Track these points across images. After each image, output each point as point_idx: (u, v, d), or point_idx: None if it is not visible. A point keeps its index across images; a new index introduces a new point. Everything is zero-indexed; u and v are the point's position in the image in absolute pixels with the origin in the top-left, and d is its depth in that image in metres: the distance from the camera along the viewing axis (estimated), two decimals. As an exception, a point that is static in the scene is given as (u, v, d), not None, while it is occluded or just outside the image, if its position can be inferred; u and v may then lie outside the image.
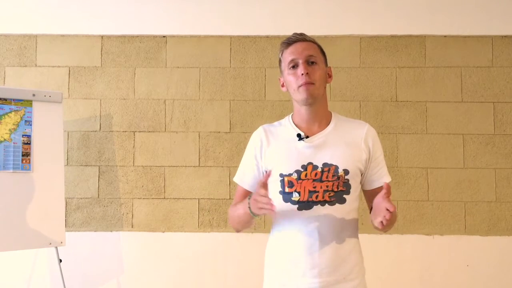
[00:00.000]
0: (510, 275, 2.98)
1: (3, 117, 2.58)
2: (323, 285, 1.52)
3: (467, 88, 3.10)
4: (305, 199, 1.54)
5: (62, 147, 2.76)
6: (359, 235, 1.64)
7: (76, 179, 3.11)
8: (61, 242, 2.65)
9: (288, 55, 1.60)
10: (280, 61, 1.66)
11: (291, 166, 1.57)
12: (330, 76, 1.66)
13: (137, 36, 3.18)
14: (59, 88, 3.13)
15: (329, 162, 1.56)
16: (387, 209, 1.35)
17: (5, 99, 2.60)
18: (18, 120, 2.62)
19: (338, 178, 1.55)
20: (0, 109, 2.58)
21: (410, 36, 3.13)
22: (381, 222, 1.40)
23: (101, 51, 3.18)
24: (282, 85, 1.67)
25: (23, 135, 2.62)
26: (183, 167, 3.11)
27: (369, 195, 1.66)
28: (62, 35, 3.19)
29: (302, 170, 1.55)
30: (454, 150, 3.07)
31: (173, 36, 3.18)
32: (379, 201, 1.40)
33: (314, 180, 1.54)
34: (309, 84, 1.55)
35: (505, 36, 3.11)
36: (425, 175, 3.06)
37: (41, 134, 2.67)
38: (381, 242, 2.98)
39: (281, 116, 1.74)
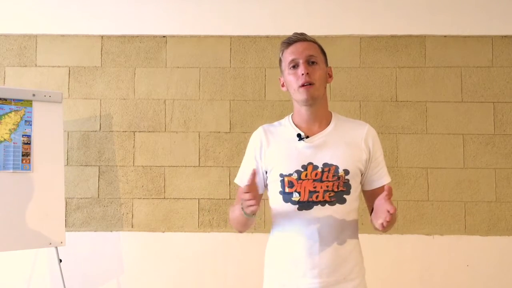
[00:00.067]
0: (510, 275, 2.98)
1: (3, 117, 2.58)
2: (323, 285, 1.52)
3: (467, 88, 3.10)
4: (305, 199, 1.54)
5: (62, 147, 2.76)
6: (359, 235, 1.64)
7: (76, 179, 3.11)
8: (61, 242, 2.65)
9: (289, 55, 1.59)
10: (280, 60, 1.66)
11: (291, 166, 1.56)
12: (330, 76, 1.66)
13: (137, 36, 3.18)
14: (59, 88, 3.13)
15: (329, 162, 1.55)
16: (388, 211, 1.35)
17: (5, 99, 2.60)
18: (18, 120, 2.62)
19: (338, 178, 1.54)
20: (0, 109, 2.58)
21: (410, 36, 3.13)
22: (382, 223, 1.40)
23: (101, 51, 3.18)
24: (282, 85, 1.66)
25: (23, 135, 2.62)
26: (183, 167, 3.11)
27: (369, 195, 1.66)
28: (62, 35, 3.19)
29: (302, 170, 1.55)
30: (454, 150, 3.07)
31: (173, 36, 3.18)
32: (381, 202, 1.40)
33: (314, 180, 1.54)
34: (309, 84, 1.55)
35: (505, 36, 3.11)
36: (425, 175, 3.06)
37: (41, 134, 2.67)
38: (381, 242, 2.98)
39: (281, 116, 1.74)
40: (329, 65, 1.67)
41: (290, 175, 1.56)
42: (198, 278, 3.05)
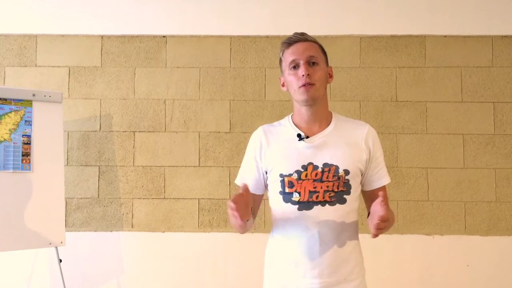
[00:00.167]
0: (510, 275, 2.98)
1: (3, 117, 2.58)
2: (323, 285, 1.52)
3: (467, 88, 3.10)
4: (306, 199, 1.54)
5: (62, 147, 2.76)
6: (359, 235, 1.64)
7: (76, 179, 3.11)
8: (61, 242, 2.65)
9: (289, 55, 1.59)
10: (280, 60, 1.65)
11: (291, 166, 1.56)
12: (331, 76, 1.65)
13: (137, 36, 3.18)
14: (59, 88, 3.13)
15: (329, 162, 1.55)
16: (379, 216, 1.34)
17: (5, 99, 2.60)
18: (18, 120, 2.62)
19: (339, 178, 1.54)
20: (0, 109, 2.58)
21: (410, 36, 3.13)
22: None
23: (101, 51, 3.18)
24: (283, 85, 1.66)
25: (23, 135, 2.62)
26: (183, 167, 3.11)
27: (368, 196, 1.66)
28: (62, 35, 3.19)
29: (303, 170, 1.55)
30: (454, 150, 3.07)
31: (173, 36, 3.18)
32: (376, 208, 1.39)
33: (314, 180, 1.54)
34: (310, 85, 1.54)
35: (505, 36, 3.11)
36: (425, 175, 3.06)
37: (41, 134, 2.67)
38: (381, 242, 2.95)
39: (281, 116, 1.74)
40: (329, 65, 1.67)
41: (290, 175, 1.56)
42: (198, 278, 3.05)
